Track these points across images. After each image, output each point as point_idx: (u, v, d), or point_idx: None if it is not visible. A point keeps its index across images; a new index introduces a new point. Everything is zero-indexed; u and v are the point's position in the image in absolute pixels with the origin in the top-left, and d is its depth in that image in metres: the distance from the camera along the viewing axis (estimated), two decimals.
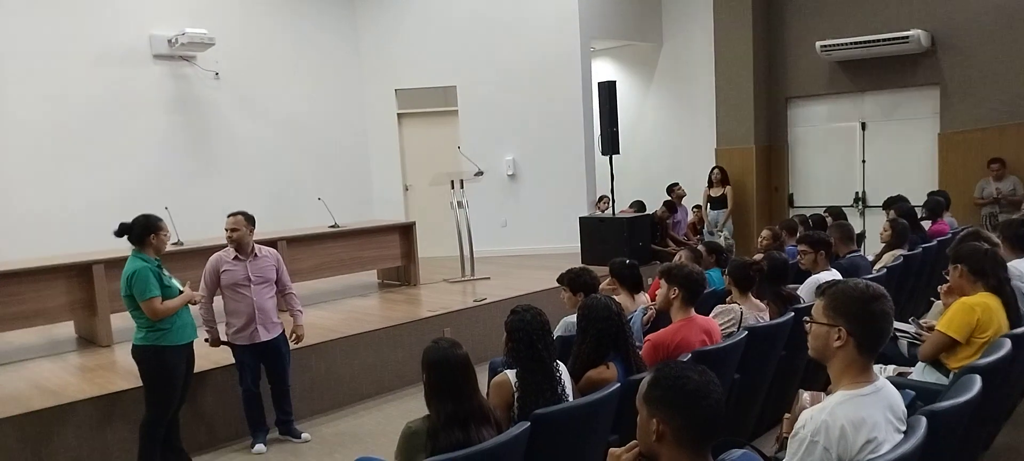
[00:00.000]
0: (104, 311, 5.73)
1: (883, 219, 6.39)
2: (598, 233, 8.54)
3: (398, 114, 9.96)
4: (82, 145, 7.64)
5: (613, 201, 8.96)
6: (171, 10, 8.19)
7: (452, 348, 2.64)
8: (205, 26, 8.07)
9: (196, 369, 4.49)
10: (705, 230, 9.63)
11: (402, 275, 7.80)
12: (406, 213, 9.68)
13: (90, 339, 5.93)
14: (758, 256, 5.11)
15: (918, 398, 2.41)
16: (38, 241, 6.64)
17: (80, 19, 7.63)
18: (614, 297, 3.64)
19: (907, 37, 8.50)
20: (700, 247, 5.95)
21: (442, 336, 2.74)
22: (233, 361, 4.67)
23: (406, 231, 7.72)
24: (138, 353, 4.12)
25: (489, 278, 7.74)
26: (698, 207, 9.92)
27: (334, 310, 6.69)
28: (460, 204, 7.96)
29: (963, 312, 3.17)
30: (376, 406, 5.45)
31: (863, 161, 9.42)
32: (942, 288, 3.60)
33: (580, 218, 8.90)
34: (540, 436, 2.60)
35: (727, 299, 4.29)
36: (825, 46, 9.06)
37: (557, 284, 4.36)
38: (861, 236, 7.56)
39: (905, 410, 2.07)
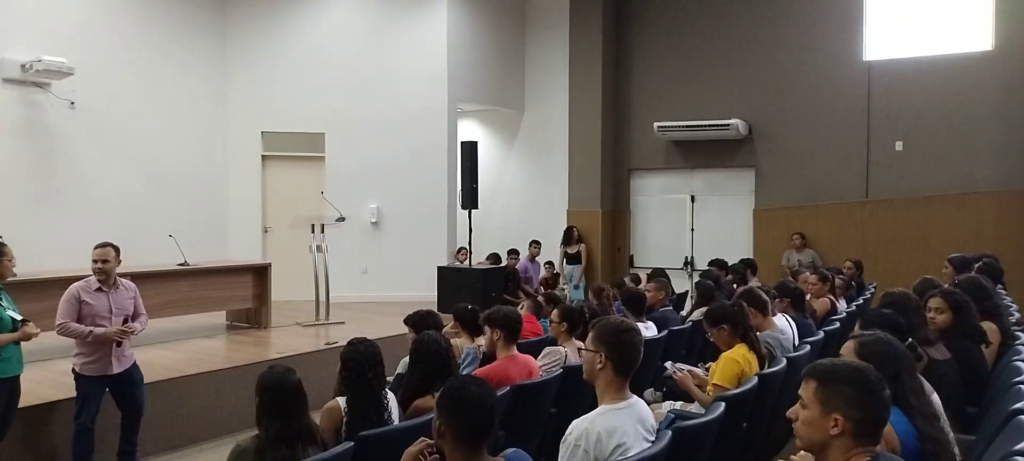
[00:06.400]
0: None
1: None
2: (455, 282, 8.94)
3: (263, 155, 9.96)
4: None
5: (471, 253, 9.44)
6: (29, 35, 7.84)
7: (286, 373, 2.87)
8: (65, 55, 7.80)
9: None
10: (561, 284, 10.34)
11: (253, 317, 7.74)
12: (263, 255, 9.58)
13: None
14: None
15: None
16: None
17: None
18: (454, 338, 4.00)
19: (728, 124, 9.80)
20: (540, 298, 6.49)
21: (278, 363, 2.96)
22: (61, 397, 4.55)
23: (260, 272, 7.72)
24: None
25: (344, 322, 7.86)
26: (550, 263, 10.62)
27: (177, 350, 6.55)
28: (319, 248, 8.09)
29: (730, 364, 3.76)
30: (213, 447, 5.36)
31: (692, 229, 10.59)
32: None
33: (438, 267, 9.27)
34: (364, 456, 2.88)
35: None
36: (662, 126, 10.22)
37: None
38: (685, 295, 8.50)
39: (655, 424, 2.58)
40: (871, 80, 9.42)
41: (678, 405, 4.03)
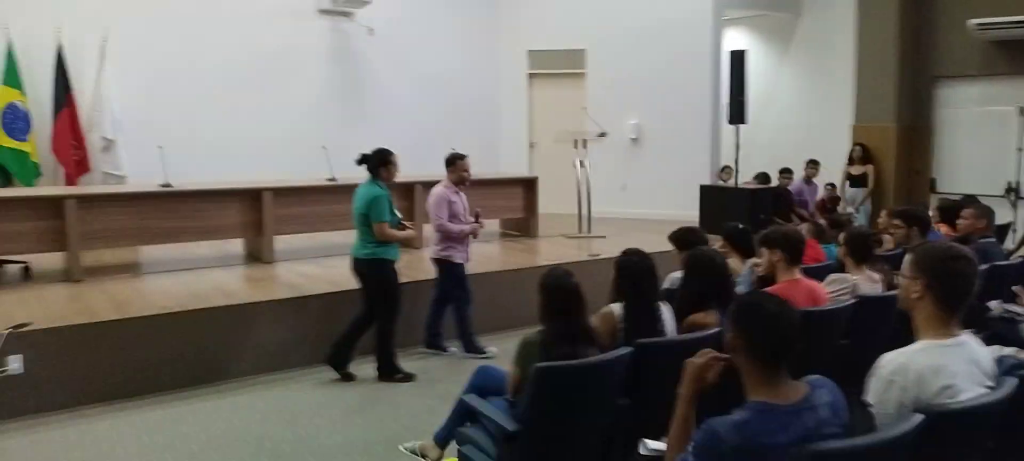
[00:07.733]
0: (269, 232, 6.60)
1: None
2: (718, 202, 8.54)
3: (529, 74, 10.35)
4: (256, 88, 8.65)
5: (737, 172, 8.90)
6: None
7: (566, 276, 2.98)
8: None
9: None
10: (841, 207, 9.34)
11: (523, 227, 8.22)
12: (530, 169, 10.07)
13: (256, 256, 6.79)
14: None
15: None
16: (214, 167, 7.60)
17: None
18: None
19: None
20: (821, 221, 5.91)
21: (558, 266, 3.07)
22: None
23: (529, 185, 8.13)
24: (363, 265, 4.81)
25: (605, 237, 7.96)
26: (831, 185, 9.58)
27: None
28: (582, 164, 8.24)
29: None
30: (491, 340, 5.73)
31: (1020, 149, 8.73)
32: None
33: (701, 186, 8.92)
34: (642, 362, 2.90)
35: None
36: (981, 24, 8.41)
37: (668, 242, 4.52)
38: (1007, 227, 7.13)
39: (995, 368, 2.17)
40: None
41: (1009, 351, 3.38)
